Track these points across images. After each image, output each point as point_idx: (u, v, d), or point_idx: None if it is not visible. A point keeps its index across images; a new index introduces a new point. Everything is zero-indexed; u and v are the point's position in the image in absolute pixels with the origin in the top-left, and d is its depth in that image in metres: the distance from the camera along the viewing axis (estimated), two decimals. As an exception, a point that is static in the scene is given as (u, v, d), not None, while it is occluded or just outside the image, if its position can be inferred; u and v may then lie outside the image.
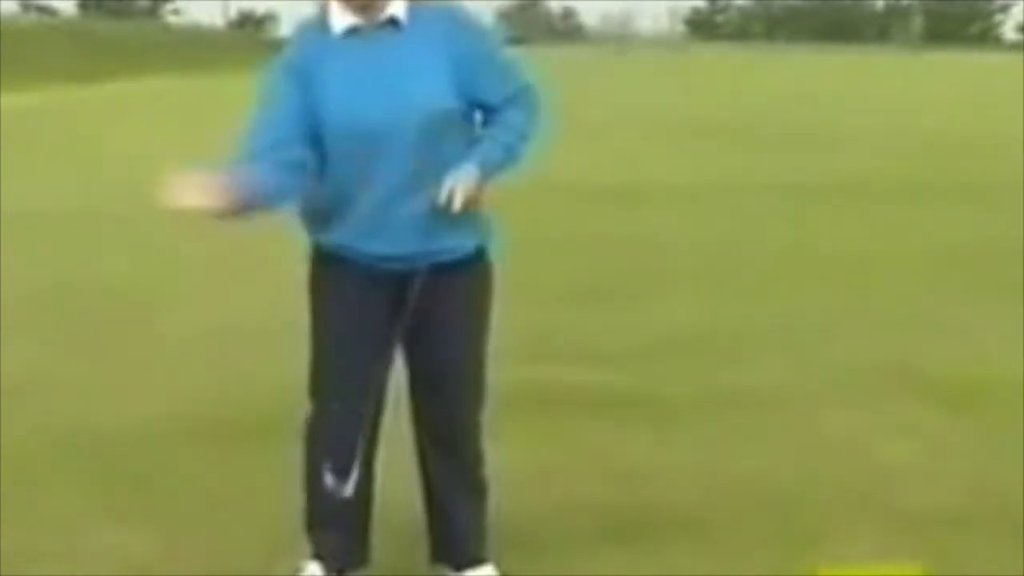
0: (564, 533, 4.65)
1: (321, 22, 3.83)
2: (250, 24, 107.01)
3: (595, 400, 6.31)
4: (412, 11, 3.81)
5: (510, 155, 3.86)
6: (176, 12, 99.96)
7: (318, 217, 3.88)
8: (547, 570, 4.34)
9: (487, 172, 3.78)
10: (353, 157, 3.76)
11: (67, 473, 5.33)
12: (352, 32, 3.78)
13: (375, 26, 3.78)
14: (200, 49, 63.58)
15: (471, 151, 3.78)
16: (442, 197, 3.69)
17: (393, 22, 3.79)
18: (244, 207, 3.57)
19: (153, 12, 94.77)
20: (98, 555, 4.52)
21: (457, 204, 3.68)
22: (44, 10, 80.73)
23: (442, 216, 3.74)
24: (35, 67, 42.40)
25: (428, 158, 3.75)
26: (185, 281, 9.47)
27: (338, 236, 3.86)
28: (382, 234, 3.80)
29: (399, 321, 3.87)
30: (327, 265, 3.94)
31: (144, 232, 11.41)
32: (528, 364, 6.32)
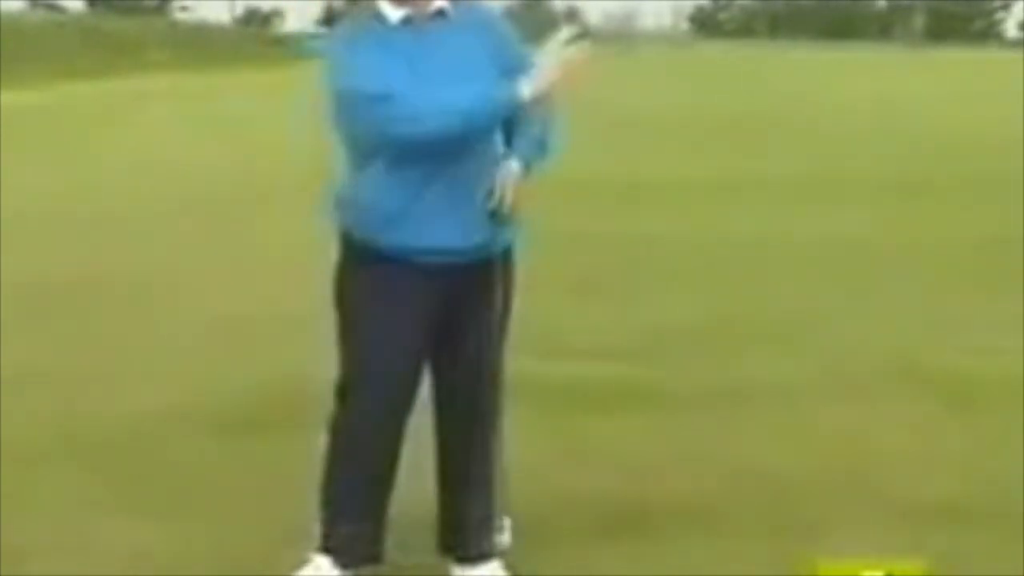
0: (567, 526, 4.68)
1: (367, 18, 3.90)
2: (256, 21, 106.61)
3: (598, 394, 6.37)
4: (454, 6, 3.91)
5: (543, 149, 3.97)
6: (184, 9, 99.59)
7: (365, 212, 3.90)
8: (550, 562, 4.36)
9: (529, 169, 3.92)
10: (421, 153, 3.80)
11: (72, 466, 5.31)
12: (407, 22, 3.86)
13: (426, 17, 3.88)
14: (207, 46, 63.64)
15: (511, 149, 3.91)
16: (495, 199, 3.86)
17: (442, 13, 3.90)
18: None
19: (161, 9, 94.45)
20: (103, 549, 4.51)
21: (508, 202, 3.86)
22: (52, 7, 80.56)
23: (482, 212, 3.86)
24: (43, 64, 42.21)
25: (477, 156, 3.85)
26: (191, 275, 9.49)
27: (385, 233, 3.87)
28: (429, 229, 3.84)
29: (499, 310, 3.97)
30: (370, 266, 3.93)
31: (151, 227, 11.68)
32: (532, 358, 6.04)
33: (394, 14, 3.87)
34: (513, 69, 3.87)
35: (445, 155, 3.80)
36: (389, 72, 3.77)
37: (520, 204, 3.90)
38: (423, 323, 3.96)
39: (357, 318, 3.99)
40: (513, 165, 3.89)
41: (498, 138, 3.94)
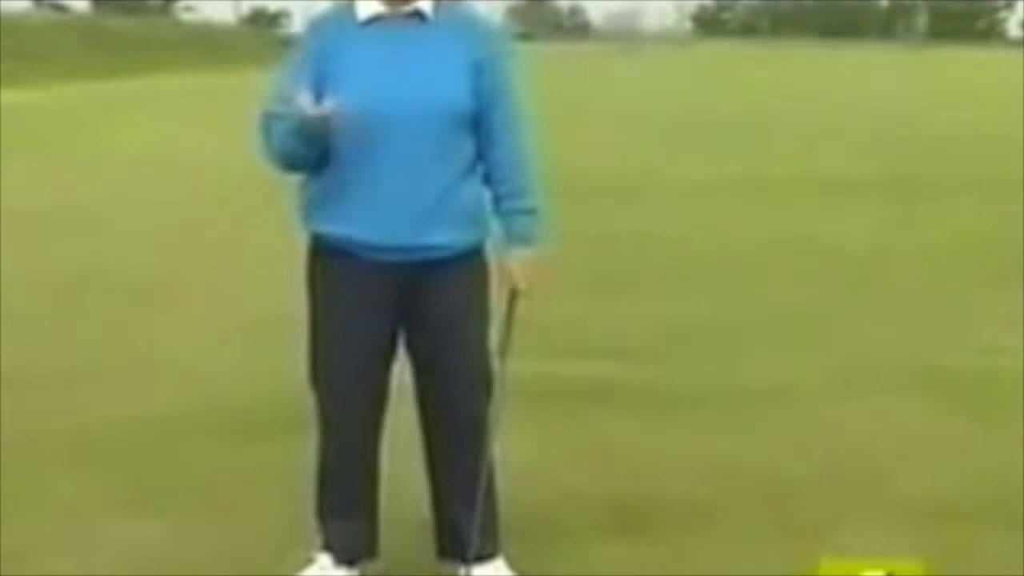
0: (570, 525, 4.68)
1: (344, 10, 3.86)
2: (262, 21, 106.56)
3: (601, 393, 6.37)
4: (436, 8, 3.84)
5: (535, 215, 3.98)
6: (188, 9, 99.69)
7: (319, 206, 3.87)
8: (553, 562, 4.36)
9: (531, 243, 3.96)
10: (362, 143, 3.74)
11: (74, 466, 5.31)
12: (375, 20, 3.81)
13: (400, 16, 3.81)
14: (212, 46, 63.71)
15: (508, 234, 3.95)
16: (519, 287, 3.95)
17: (419, 14, 3.82)
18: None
19: (165, 9, 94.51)
20: (106, 549, 4.50)
21: (535, 285, 3.96)
22: (57, 7, 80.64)
23: (439, 212, 3.81)
24: (48, 64, 42.43)
25: (433, 154, 3.78)
26: (195, 276, 9.53)
27: (338, 227, 3.84)
28: (379, 225, 3.79)
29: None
30: (327, 258, 3.92)
31: (155, 227, 11.74)
32: (534, 357, 5.91)
33: (365, 11, 3.83)
34: (487, 90, 3.85)
35: (363, 154, 3.76)
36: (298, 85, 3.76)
37: (540, 279, 3.98)
38: (380, 317, 3.93)
39: (315, 310, 3.99)
40: (520, 254, 3.96)
41: (466, 140, 3.88)
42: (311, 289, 4.00)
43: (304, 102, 3.59)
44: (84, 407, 6.15)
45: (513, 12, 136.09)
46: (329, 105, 3.60)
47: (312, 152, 3.74)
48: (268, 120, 3.80)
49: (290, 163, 3.82)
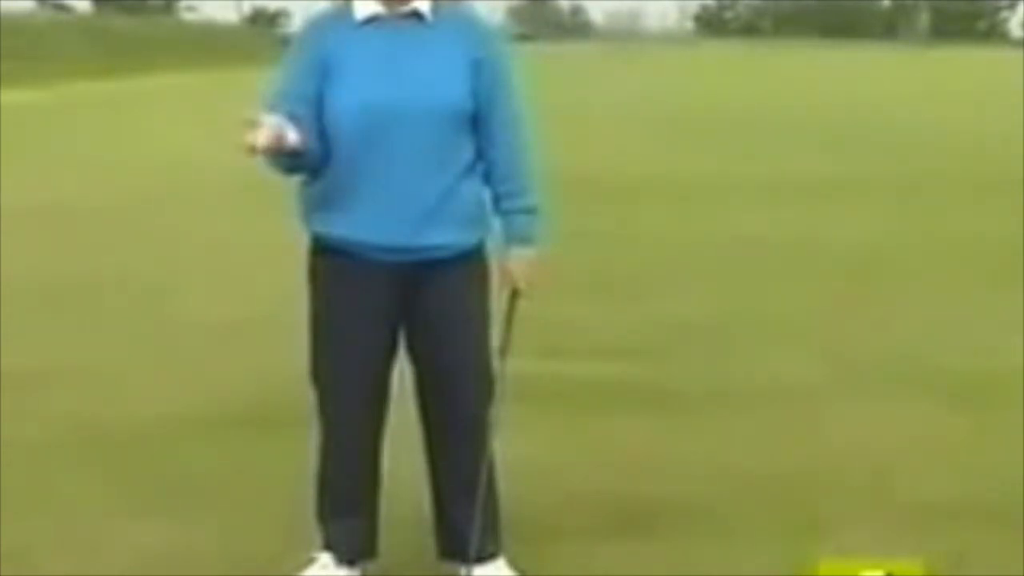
0: (574, 525, 4.68)
1: (342, 10, 3.86)
2: (263, 20, 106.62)
3: (604, 393, 6.38)
4: (435, 8, 3.85)
5: (535, 213, 4.00)
6: (190, 8, 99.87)
7: (320, 206, 3.87)
8: (557, 562, 4.35)
9: (532, 243, 3.98)
10: (362, 143, 3.76)
11: (76, 466, 5.31)
12: (373, 20, 3.82)
13: (398, 16, 3.82)
14: (213, 45, 63.74)
15: (508, 232, 3.96)
16: (518, 287, 3.97)
17: (417, 15, 3.83)
18: (294, 150, 3.62)
19: (167, 9, 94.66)
20: (110, 548, 4.50)
21: (535, 286, 3.98)
22: (59, 7, 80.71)
23: (439, 212, 3.82)
24: (50, 63, 42.48)
25: (432, 155, 3.79)
26: (196, 275, 9.55)
27: (339, 228, 3.85)
28: (379, 225, 3.80)
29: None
30: (328, 259, 3.92)
31: (157, 225, 11.76)
32: (538, 357, 6.11)
33: (362, 11, 3.83)
34: (486, 90, 3.86)
35: (363, 154, 3.77)
36: (296, 84, 3.79)
37: (540, 279, 3.99)
38: (381, 317, 3.94)
39: (316, 310, 3.99)
40: (520, 254, 3.98)
41: (466, 140, 3.88)
42: (312, 289, 4.01)
43: (256, 136, 3.54)
44: (85, 407, 6.15)
45: (514, 12, 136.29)
46: (269, 130, 3.55)
47: (291, 162, 3.74)
48: None
49: (282, 169, 3.81)
